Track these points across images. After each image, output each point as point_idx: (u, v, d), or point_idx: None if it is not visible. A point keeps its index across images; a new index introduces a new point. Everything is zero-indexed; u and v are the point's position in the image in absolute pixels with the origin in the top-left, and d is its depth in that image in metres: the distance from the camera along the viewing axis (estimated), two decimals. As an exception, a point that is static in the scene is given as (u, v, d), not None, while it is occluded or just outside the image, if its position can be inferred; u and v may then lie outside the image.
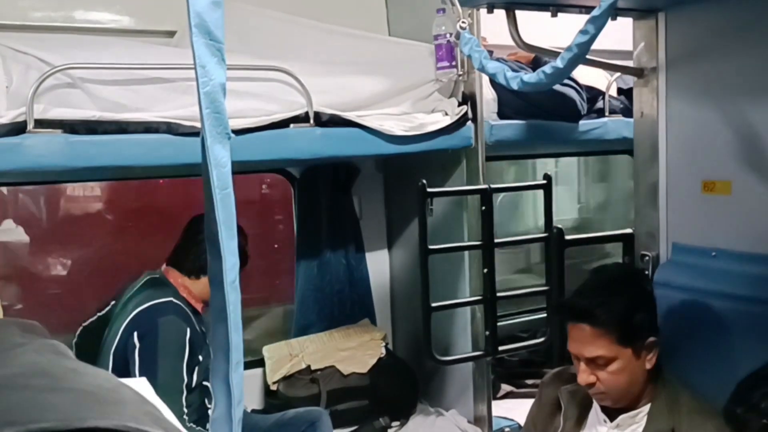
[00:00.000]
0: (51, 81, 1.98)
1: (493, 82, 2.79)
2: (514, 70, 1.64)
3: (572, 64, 1.35)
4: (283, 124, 2.35)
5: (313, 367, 2.90)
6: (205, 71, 0.81)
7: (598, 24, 1.29)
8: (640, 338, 1.70)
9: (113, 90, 2.10)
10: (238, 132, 2.25)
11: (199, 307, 2.46)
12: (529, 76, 1.46)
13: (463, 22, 1.65)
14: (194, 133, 2.14)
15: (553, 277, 2.55)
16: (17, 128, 1.94)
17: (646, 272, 2.17)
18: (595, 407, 1.82)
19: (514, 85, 1.49)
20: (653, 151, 2.17)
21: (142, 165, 2.18)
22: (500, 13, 1.97)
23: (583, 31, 1.30)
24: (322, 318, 3.16)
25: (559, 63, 1.35)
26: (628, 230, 2.26)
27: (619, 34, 2.19)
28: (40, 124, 1.96)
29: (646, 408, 1.75)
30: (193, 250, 2.41)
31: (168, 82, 2.19)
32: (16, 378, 0.48)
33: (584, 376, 1.71)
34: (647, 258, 2.19)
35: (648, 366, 1.73)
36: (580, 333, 1.70)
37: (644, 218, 2.21)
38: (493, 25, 2.12)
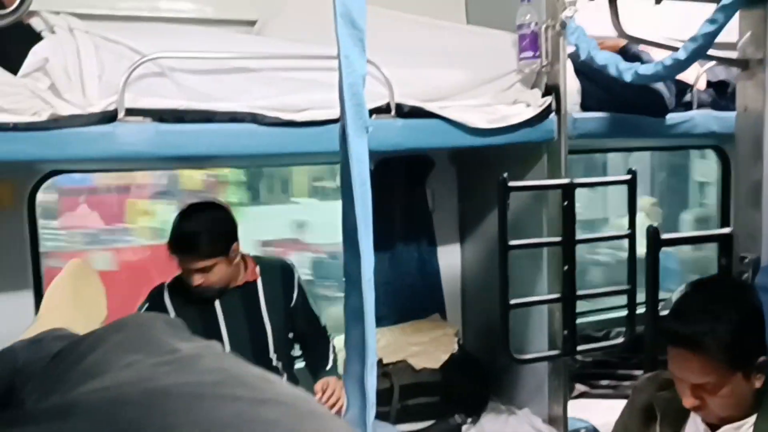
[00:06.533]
0: (140, 70, 1.99)
1: (578, 72, 2.69)
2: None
3: (695, 56, 1.27)
4: (364, 115, 2.32)
5: (384, 361, 2.87)
6: (349, 62, 0.77)
7: (728, 13, 1.21)
8: (750, 360, 1.59)
9: (199, 79, 2.09)
10: (319, 123, 2.22)
11: None
12: (646, 68, 1.38)
13: (569, 11, 1.57)
14: (277, 123, 2.13)
15: (635, 277, 2.46)
16: (108, 117, 1.95)
17: (746, 275, 2.06)
18: (694, 417, 1.74)
19: (628, 77, 1.41)
20: (757, 148, 2.05)
21: (228, 154, 2.17)
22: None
23: (710, 20, 1.22)
24: (392, 311, 3.12)
25: (681, 54, 1.27)
26: (727, 230, 2.15)
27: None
28: (130, 112, 1.97)
29: (751, 419, 1.65)
30: None
31: (251, 72, 2.18)
32: (217, 387, 0.43)
33: (690, 400, 1.61)
34: (747, 260, 2.08)
35: (758, 385, 1.62)
36: (686, 360, 1.59)
37: (745, 218, 2.09)
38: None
